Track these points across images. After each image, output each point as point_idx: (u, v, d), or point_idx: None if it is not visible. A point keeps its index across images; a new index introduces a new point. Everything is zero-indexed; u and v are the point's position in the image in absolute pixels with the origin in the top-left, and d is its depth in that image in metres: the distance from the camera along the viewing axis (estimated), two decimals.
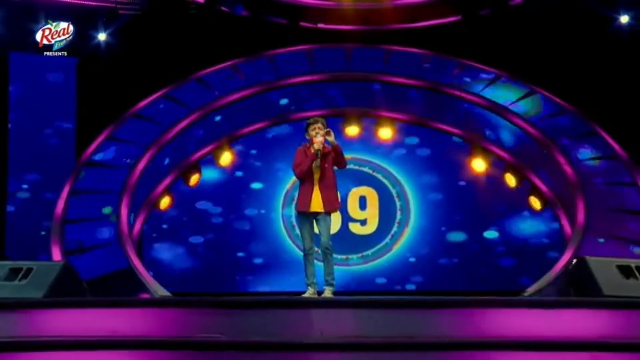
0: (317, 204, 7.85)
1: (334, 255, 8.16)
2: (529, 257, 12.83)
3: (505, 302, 6.09)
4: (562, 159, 12.09)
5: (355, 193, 13.36)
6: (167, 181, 13.05)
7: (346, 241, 13.06)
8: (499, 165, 13.17)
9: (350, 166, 13.33)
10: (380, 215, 13.30)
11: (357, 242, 13.27)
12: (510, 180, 13.11)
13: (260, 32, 13.05)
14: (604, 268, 6.43)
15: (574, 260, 10.22)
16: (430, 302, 6.40)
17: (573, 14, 12.31)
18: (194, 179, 13.27)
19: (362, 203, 13.37)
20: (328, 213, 7.90)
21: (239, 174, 13.36)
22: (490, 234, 13.17)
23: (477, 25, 12.70)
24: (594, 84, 12.33)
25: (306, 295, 7.85)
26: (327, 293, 7.84)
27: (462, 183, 13.33)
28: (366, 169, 13.45)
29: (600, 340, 5.28)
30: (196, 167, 13.32)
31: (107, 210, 12.00)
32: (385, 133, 13.43)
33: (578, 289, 6.55)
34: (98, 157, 12.25)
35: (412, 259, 13.14)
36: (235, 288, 12.91)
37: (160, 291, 10.82)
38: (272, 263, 13.07)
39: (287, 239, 13.17)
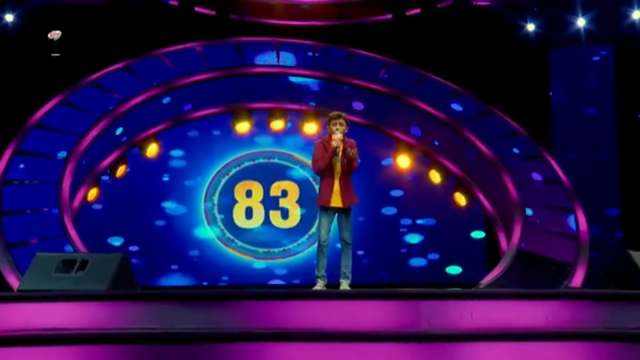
0: (337, 199, 7.91)
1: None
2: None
3: None
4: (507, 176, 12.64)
5: (277, 187, 13.54)
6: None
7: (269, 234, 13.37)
8: (424, 162, 13.65)
9: (274, 160, 13.68)
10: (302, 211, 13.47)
11: (279, 236, 13.48)
12: (435, 176, 13.62)
13: (189, 23, 12.87)
14: None
15: None
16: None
17: (492, 19, 13.11)
18: (120, 170, 12.88)
19: (283, 196, 13.57)
20: (349, 208, 8.00)
21: None
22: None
23: (405, 25, 13.12)
24: (506, 87, 13.15)
25: (317, 288, 7.86)
26: (344, 285, 7.91)
27: (387, 180, 13.70)
28: (288, 163, 13.62)
29: None
30: (123, 159, 12.93)
31: None
32: (311, 128, 13.58)
33: (619, 282, 6.96)
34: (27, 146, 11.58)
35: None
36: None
37: None
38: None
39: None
